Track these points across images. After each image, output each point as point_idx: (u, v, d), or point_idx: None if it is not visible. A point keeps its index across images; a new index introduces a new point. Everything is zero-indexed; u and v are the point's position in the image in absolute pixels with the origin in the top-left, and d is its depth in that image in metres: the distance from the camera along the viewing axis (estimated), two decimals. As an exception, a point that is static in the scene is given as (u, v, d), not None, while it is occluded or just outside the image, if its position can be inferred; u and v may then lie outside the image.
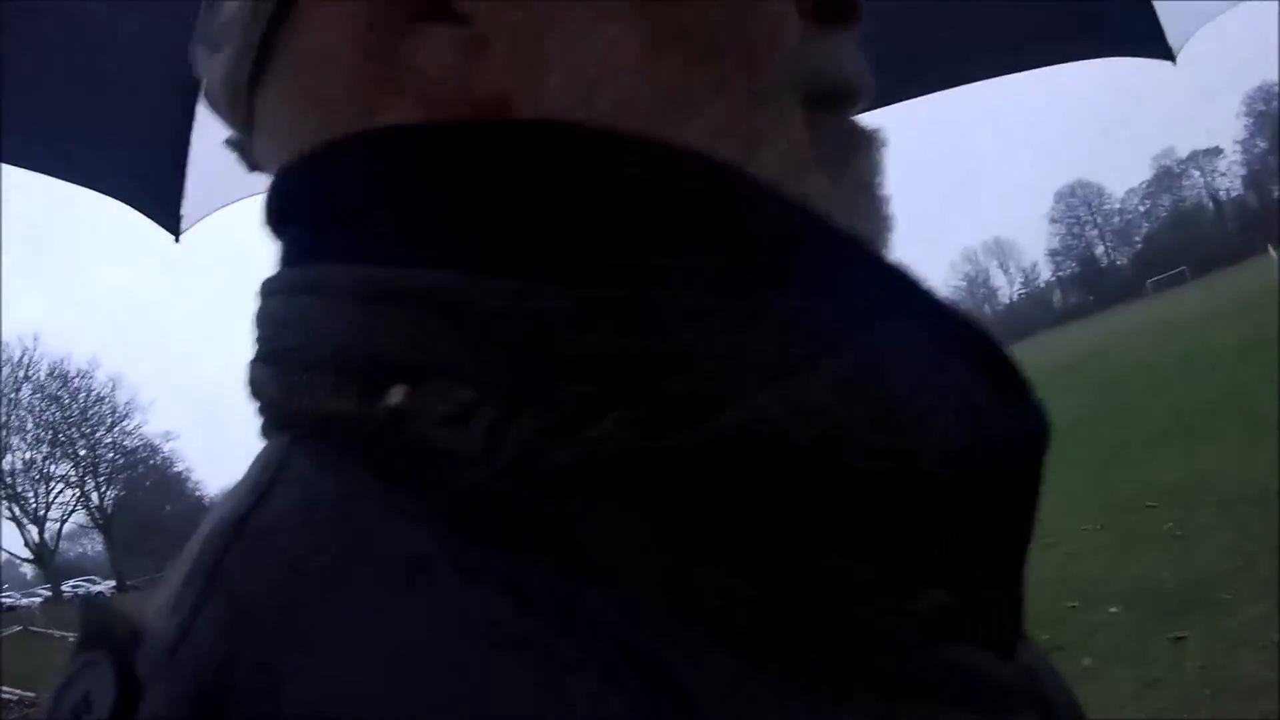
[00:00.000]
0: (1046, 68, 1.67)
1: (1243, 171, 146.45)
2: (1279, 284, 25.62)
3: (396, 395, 0.36)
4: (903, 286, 0.39)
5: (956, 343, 0.39)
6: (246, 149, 0.49)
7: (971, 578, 0.39)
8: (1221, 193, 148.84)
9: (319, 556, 0.34)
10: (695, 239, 0.37)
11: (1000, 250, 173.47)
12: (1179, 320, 36.53)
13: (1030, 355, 53.76)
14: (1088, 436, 13.83)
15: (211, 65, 0.46)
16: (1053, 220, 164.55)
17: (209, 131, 1.28)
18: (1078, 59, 1.64)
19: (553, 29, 0.39)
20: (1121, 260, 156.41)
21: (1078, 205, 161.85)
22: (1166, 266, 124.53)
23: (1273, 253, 28.55)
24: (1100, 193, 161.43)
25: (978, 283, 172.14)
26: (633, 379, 0.35)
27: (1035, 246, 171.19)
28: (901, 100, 1.62)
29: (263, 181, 0.46)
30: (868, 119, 0.48)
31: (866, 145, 0.47)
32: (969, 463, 0.37)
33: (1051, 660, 0.53)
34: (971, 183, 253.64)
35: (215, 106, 0.49)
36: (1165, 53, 1.53)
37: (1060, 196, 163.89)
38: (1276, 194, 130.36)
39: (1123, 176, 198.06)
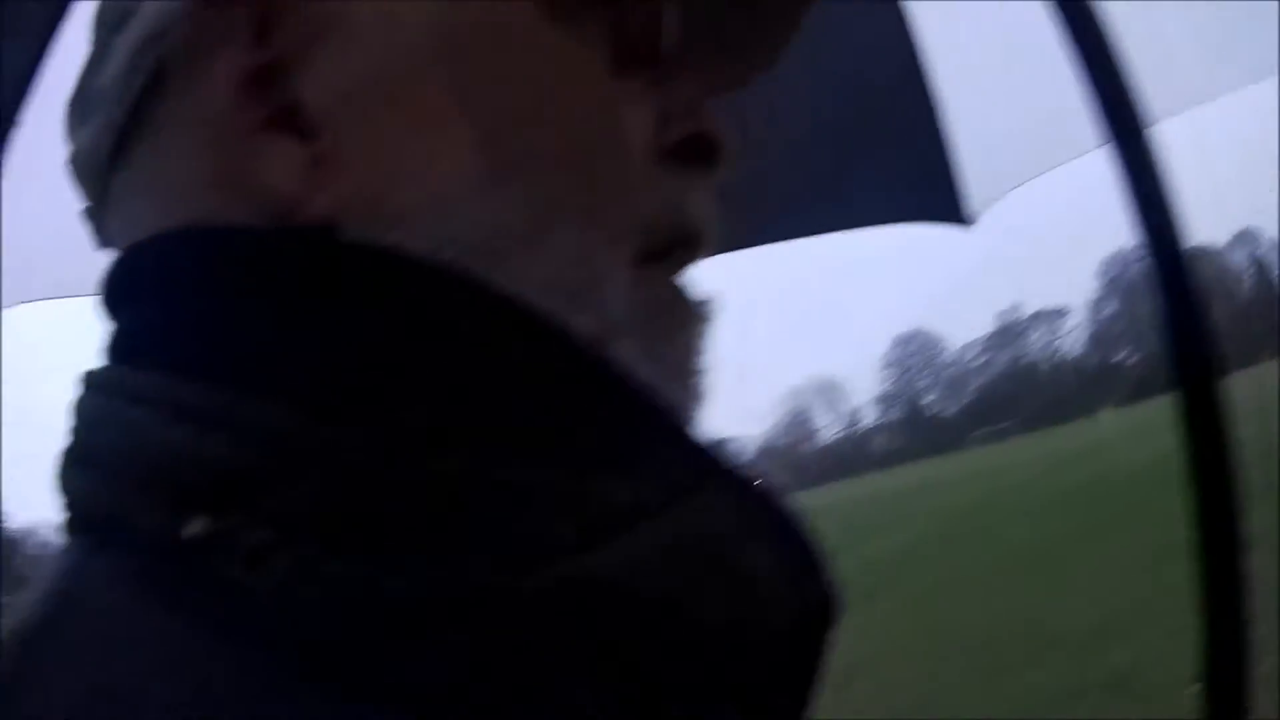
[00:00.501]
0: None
1: (1087, 333, 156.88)
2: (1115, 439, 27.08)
3: (198, 525, 0.36)
4: (708, 466, 0.41)
5: (755, 523, 0.41)
6: (100, 224, 0.48)
7: None
8: (1062, 353, 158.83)
9: (105, 674, 0.33)
10: (501, 390, 0.38)
11: (828, 390, 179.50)
12: (1003, 469, 38.75)
13: (850, 495, 57.54)
14: (905, 576, 14.55)
15: (79, 134, 0.47)
16: (886, 365, 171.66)
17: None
18: (870, 225, 1.68)
19: (395, 153, 0.40)
20: (950, 410, 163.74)
21: (913, 353, 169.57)
22: (996, 420, 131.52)
23: (1106, 413, 31.74)
24: (938, 343, 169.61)
25: (799, 419, 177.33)
26: (426, 524, 0.36)
27: (865, 389, 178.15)
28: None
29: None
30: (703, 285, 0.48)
31: (694, 313, 0.48)
32: (753, 637, 0.39)
33: None
34: (807, 320, 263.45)
35: (76, 177, 0.48)
36: (961, 220, 1.57)
37: (897, 342, 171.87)
38: (1120, 357, 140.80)
39: (963, 329, 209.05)
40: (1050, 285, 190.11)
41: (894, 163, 1.66)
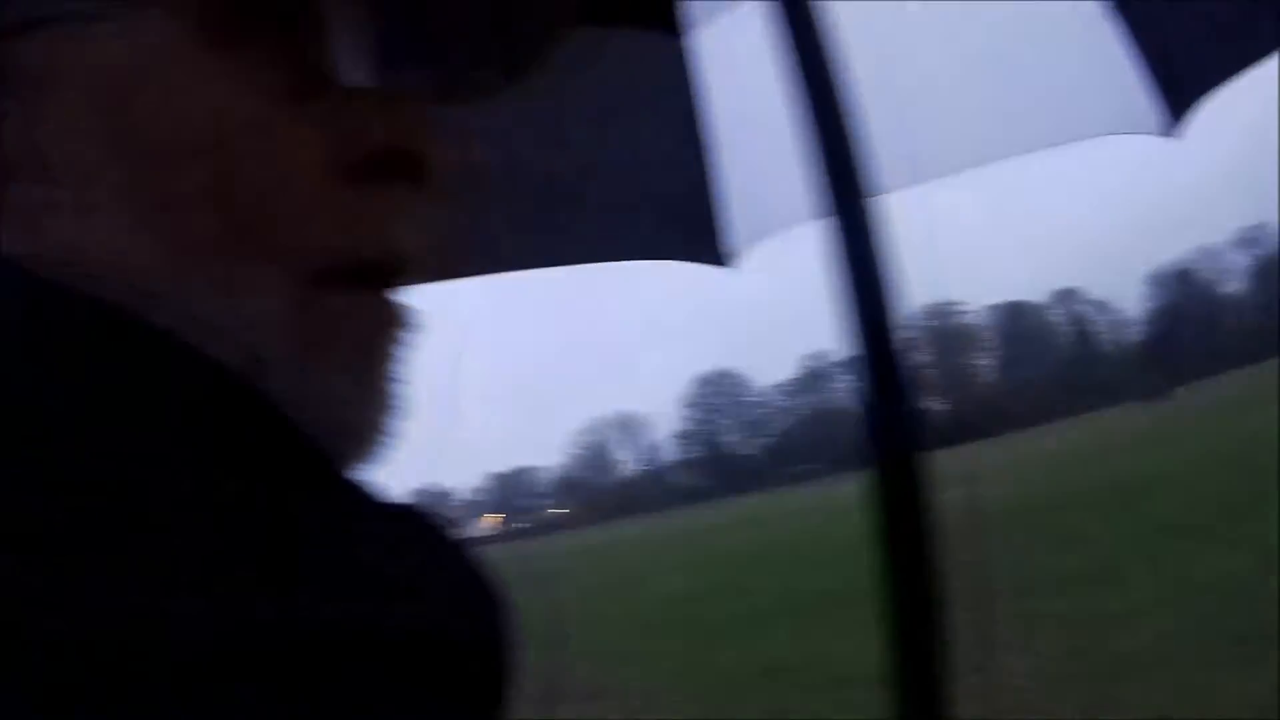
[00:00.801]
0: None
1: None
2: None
3: None
4: (352, 499, 0.44)
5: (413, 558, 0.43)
6: None
7: None
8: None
9: None
10: (147, 419, 0.40)
11: (627, 425, 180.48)
12: (803, 512, 39.65)
13: (645, 531, 57.79)
14: (695, 613, 14.67)
15: None
16: (688, 404, 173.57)
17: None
18: (630, 259, 1.72)
19: (66, 201, 0.41)
20: (751, 451, 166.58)
21: (716, 392, 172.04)
22: (799, 462, 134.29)
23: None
24: (742, 383, 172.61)
25: (598, 453, 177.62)
26: None
27: (665, 425, 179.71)
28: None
29: None
30: (407, 296, 0.48)
31: (392, 332, 0.48)
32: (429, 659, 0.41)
33: None
34: (611, 354, 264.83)
35: None
36: (721, 261, 1.66)
37: (701, 381, 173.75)
38: (924, 404, 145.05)
39: (769, 370, 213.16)
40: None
41: (660, 200, 1.70)
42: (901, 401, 0.59)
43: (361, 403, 0.46)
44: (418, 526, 0.45)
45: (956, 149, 1.76)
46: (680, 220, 1.71)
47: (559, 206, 1.63)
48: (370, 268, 0.46)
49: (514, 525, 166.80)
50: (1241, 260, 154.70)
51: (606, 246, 1.77)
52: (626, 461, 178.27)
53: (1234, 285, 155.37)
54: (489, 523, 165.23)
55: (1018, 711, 6.64)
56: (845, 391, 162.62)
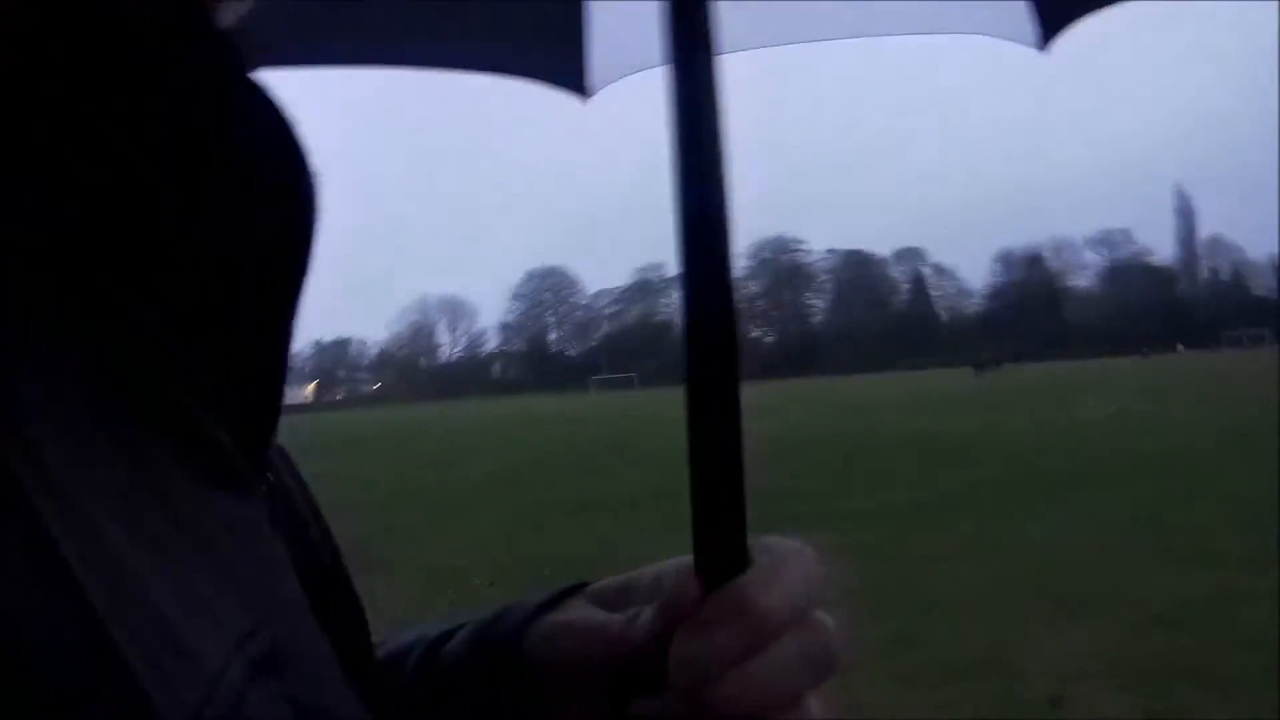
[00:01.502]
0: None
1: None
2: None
3: None
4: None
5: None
6: None
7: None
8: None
9: None
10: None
11: (454, 308, 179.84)
12: (616, 415, 40.60)
13: (462, 417, 58.20)
14: (499, 502, 14.76)
15: None
16: (515, 296, 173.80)
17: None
18: (487, 72, 1.69)
19: None
20: (572, 352, 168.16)
21: (545, 290, 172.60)
22: (618, 369, 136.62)
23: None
24: (572, 284, 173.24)
25: (422, 333, 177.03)
26: None
27: (490, 314, 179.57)
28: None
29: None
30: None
31: None
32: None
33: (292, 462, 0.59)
34: (443, 234, 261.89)
35: None
36: (581, 90, 1.65)
37: (531, 276, 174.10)
38: (754, 334, 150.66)
39: (601, 276, 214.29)
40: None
41: (528, 14, 1.62)
42: (726, 313, 0.52)
43: None
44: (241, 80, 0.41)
45: (812, 15, 1.71)
46: (548, 40, 1.64)
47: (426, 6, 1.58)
48: None
49: (331, 395, 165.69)
50: (1094, 259, 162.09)
51: (472, 53, 1.70)
52: (449, 344, 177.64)
53: (1081, 280, 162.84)
54: (306, 389, 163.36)
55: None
56: (670, 308, 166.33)
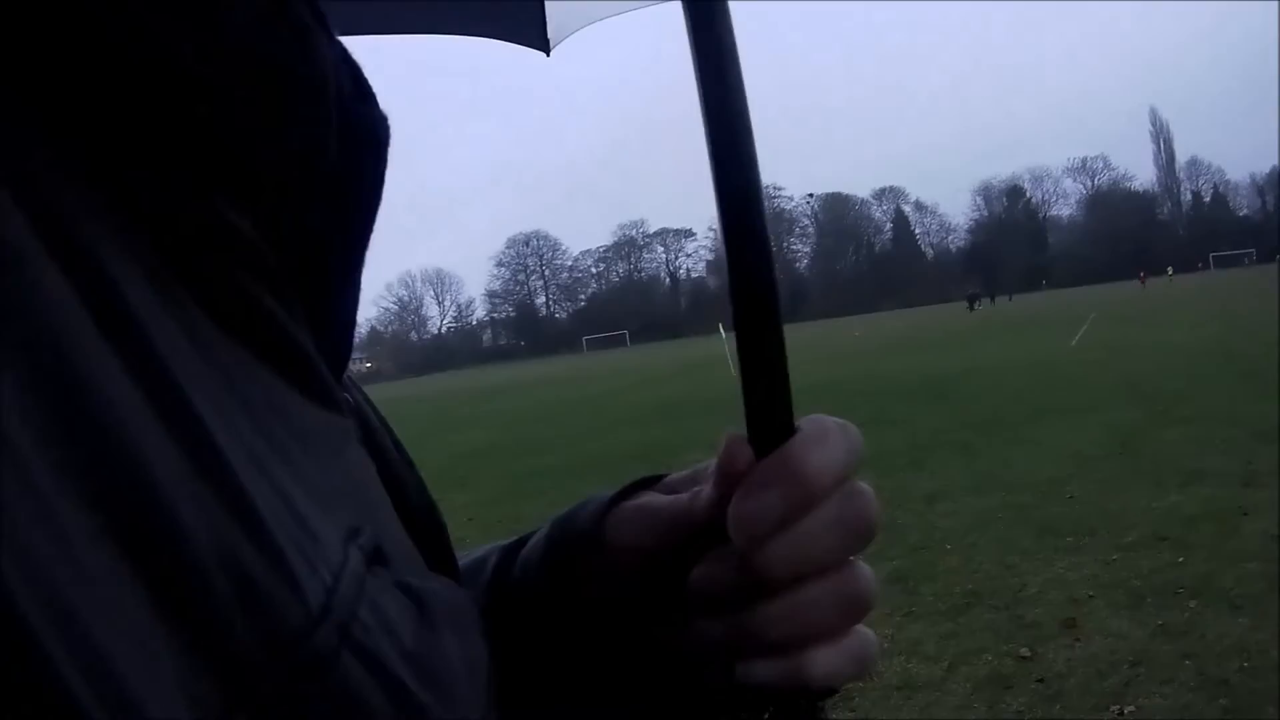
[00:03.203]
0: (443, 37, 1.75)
1: (709, 256, 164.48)
2: (728, 356, 29.72)
3: None
4: None
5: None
6: None
7: (281, 208, 0.42)
8: (681, 271, 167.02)
9: None
10: None
11: (439, 281, 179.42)
12: (611, 375, 40.66)
13: (454, 386, 58.17)
14: (498, 465, 14.96)
15: None
16: (499, 264, 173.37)
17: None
18: (451, 33, 1.74)
19: None
20: (561, 314, 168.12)
21: (529, 254, 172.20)
22: (608, 328, 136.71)
23: (722, 331, 34.85)
24: (555, 247, 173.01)
25: (410, 307, 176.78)
26: None
27: (476, 284, 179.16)
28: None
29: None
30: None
31: None
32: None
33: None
34: (423, 209, 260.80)
35: None
36: (543, 45, 1.65)
37: (513, 243, 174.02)
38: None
39: (583, 237, 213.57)
40: (676, 205, 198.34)
41: None
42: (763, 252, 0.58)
43: None
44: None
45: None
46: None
47: None
48: None
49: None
50: (1074, 187, 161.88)
51: (431, 18, 1.72)
52: (438, 317, 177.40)
53: (1064, 210, 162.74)
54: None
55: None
56: (655, 264, 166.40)
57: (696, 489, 0.62)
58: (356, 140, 0.45)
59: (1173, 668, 4.45)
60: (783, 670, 0.55)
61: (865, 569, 0.57)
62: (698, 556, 0.58)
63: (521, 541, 0.73)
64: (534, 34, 1.65)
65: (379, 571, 0.41)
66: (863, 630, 0.57)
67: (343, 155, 0.44)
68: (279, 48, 0.40)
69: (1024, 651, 4.88)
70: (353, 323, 0.51)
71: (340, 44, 0.44)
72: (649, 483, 0.69)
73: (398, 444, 0.62)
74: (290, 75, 0.41)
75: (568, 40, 1.68)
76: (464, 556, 0.73)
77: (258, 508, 0.34)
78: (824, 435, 0.56)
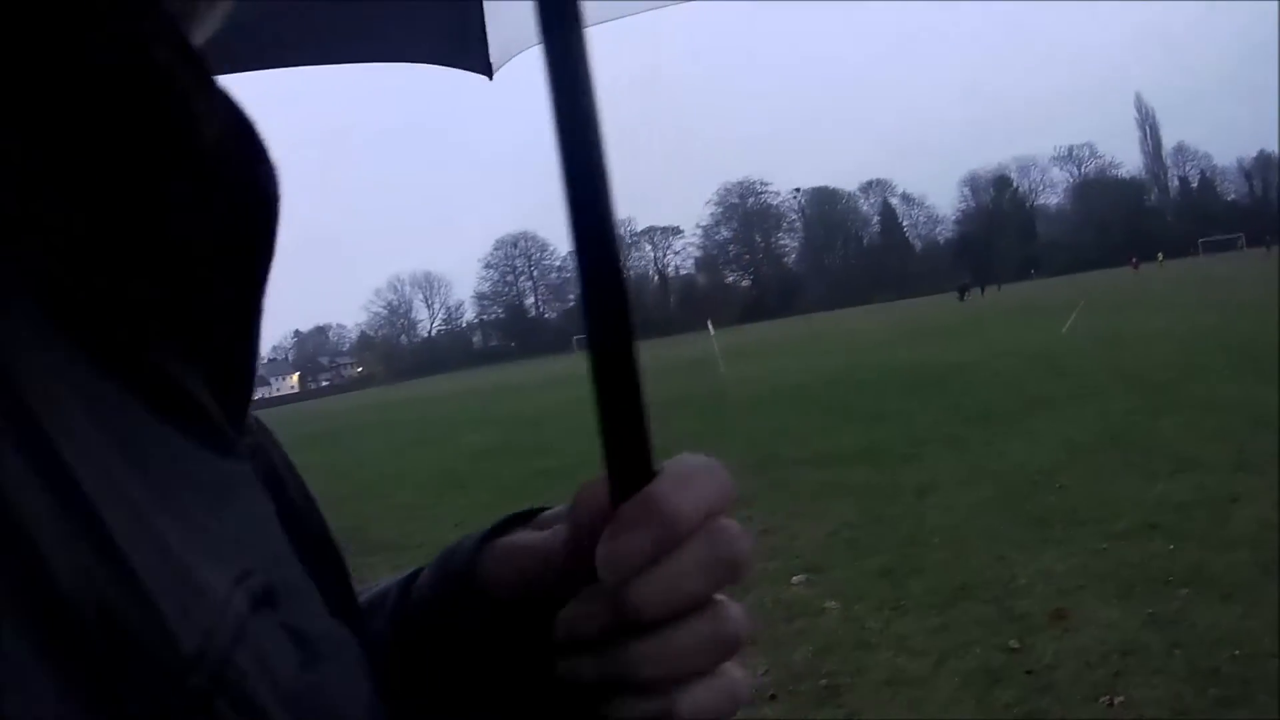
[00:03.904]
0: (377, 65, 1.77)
1: (698, 254, 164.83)
2: (717, 355, 29.74)
3: None
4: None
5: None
6: None
7: (193, 282, 0.44)
8: (670, 269, 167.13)
9: None
10: None
11: (428, 284, 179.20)
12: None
13: (447, 391, 58.19)
14: (493, 469, 14.90)
15: None
16: (487, 265, 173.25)
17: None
18: (395, 60, 1.74)
19: None
20: (551, 314, 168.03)
21: (517, 255, 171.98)
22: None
23: (710, 328, 35.23)
24: (543, 247, 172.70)
25: (399, 311, 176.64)
26: None
27: (464, 286, 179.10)
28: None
29: None
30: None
31: None
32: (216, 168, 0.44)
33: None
34: (408, 212, 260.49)
35: None
36: (485, 69, 1.68)
37: (501, 244, 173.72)
38: (730, 279, 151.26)
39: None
40: (664, 204, 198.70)
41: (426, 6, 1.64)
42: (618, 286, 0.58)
43: None
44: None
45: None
46: (447, 24, 1.68)
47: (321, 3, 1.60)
48: None
49: (315, 383, 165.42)
50: (1061, 176, 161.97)
51: (375, 45, 1.73)
52: (427, 320, 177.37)
53: (1051, 198, 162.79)
54: (290, 379, 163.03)
55: (814, 568, 6.71)
56: (643, 262, 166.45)
57: (558, 528, 0.64)
58: (244, 201, 0.46)
59: (1163, 657, 4.44)
60: (653, 710, 0.55)
61: (736, 607, 0.57)
62: (568, 595, 0.58)
63: (416, 574, 0.74)
64: (476, 60, 1.67)
65: (266, 614, 0.43)
66: (734, 668, 0.58)
67: (230, 215, 0.45)
68: (142, 104, 0.41)
69: (1013, 644, 4.86)
70: (252, 371, 0.51)
71: (225, 97, 0.44)
72: (526, 517, 0.70)
73: (301, 484, 0.63)
74: (157, 136, 0.41)
75: (512, 64, 1.68)
76: (372, 587, 0.76)
77: (132, 562, 0.36)
78: (689, 474, 0.57)
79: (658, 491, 0.55)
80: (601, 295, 0.57)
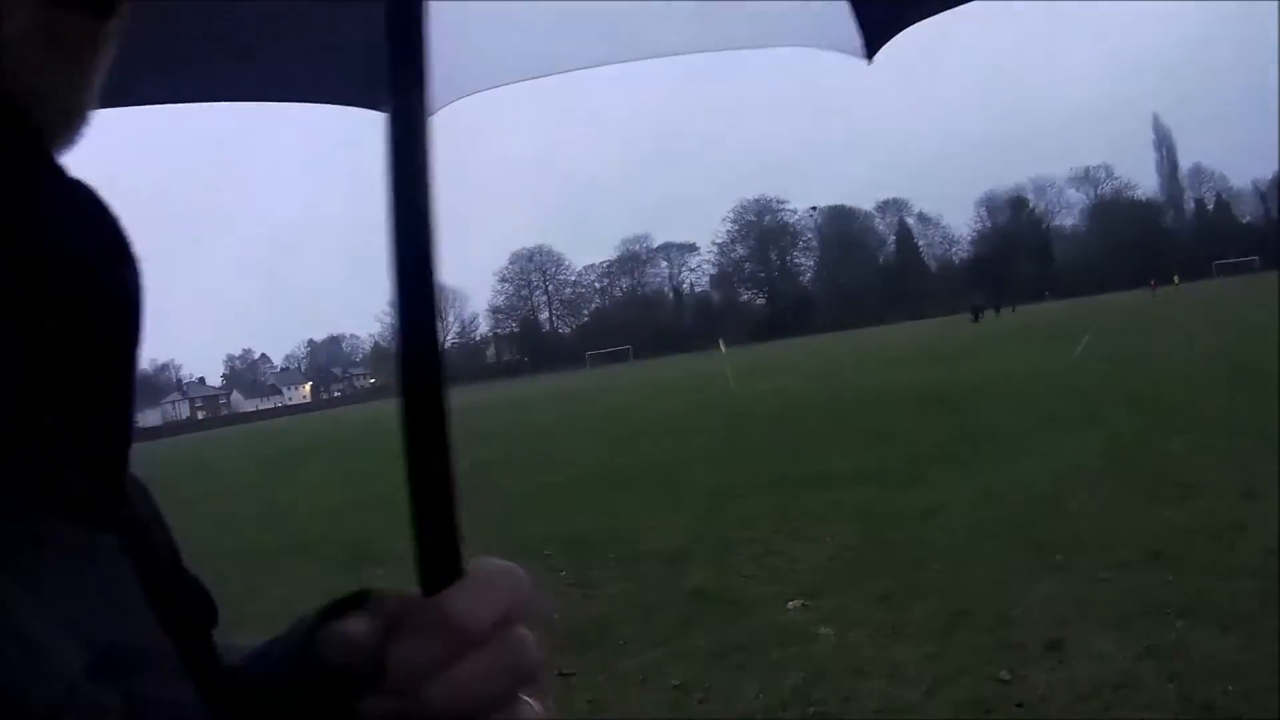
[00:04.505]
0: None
1: (713, 271, 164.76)
2: (728, 372, 29.73)
3: None
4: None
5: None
6: None
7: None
8: (685, 286, 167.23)
9: None
10: None
11: (442, 296, 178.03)
12: (614, 390, 40.76)
13: (459, 404, 58.12)
14: (498, 483, 14.67)
15: None
16: (503, 279, 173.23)
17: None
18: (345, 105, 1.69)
19: None
20: (565, 329, 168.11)
21: (533, 269, 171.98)
22: (612, 343, 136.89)
23: (722, 346, 35.27)
24: (559, 261, 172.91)
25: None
26: None
27: (479, 299, 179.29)
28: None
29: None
30: None
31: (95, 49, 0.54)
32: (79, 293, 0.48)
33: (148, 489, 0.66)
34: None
35: None
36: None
37: (517, 258, 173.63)
38: (745, 297, 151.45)
39: (586, 251, 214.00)
40: (682, 219, 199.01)
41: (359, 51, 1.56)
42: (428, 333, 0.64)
43: (68, 94, 0.52)
44: (81, 194, 0.50)
45: (643, 35, 1.76)
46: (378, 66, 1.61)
47: (226, 36, 1.55)
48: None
49: (328, 393, 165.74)
50: (1077, 197, 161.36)
51: (308, 86, 1.73)
52: (441, 333, 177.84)
53: (1067, 220, 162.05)
54: (302, 389, 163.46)
55: (811, 593, 6.65)
56: (659, 278, 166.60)
57: (373, 620, 0.64)
58: (104, 299, 0.49)
59: (1156, 690, 4.35)
60: None
61: (531, 708, 0.60)
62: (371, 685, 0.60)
63: (279, 639, 0.75)
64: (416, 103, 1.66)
65: (105, 679, 0.44)
66: None
67: (90, 313, 0.49)
68: (13, 199, 0.45)
69: (1004, 675, 4.77)
70: (125, 444, 0.53)
71: (83, 194, 0.49)
72: (360, 599, 0.70)
73: (171, 544, 0.66)
74: (25, 225, 0.46)
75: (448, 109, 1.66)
76: (255, 645, 0.76)
77: None
78: (486, 581, 0.61)
79: (453, 598, 0.59)
80: (415, 370, 0.61)
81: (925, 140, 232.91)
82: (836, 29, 1.65)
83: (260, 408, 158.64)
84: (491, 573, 0.62)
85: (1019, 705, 4.43)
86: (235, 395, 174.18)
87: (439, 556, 0.62)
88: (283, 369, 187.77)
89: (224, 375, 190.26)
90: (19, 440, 0.46)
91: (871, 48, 1.66)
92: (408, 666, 0.57)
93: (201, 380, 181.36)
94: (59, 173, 0.49)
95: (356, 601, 0.70)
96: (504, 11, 1.65)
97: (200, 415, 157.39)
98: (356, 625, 0.65)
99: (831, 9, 1.63)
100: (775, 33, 1.71)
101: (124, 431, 0.53)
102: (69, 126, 0.53)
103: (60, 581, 0.46)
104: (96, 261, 0.49)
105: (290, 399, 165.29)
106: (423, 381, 0.61)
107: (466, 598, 0.59)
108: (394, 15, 0.63)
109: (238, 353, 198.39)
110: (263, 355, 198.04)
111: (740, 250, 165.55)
